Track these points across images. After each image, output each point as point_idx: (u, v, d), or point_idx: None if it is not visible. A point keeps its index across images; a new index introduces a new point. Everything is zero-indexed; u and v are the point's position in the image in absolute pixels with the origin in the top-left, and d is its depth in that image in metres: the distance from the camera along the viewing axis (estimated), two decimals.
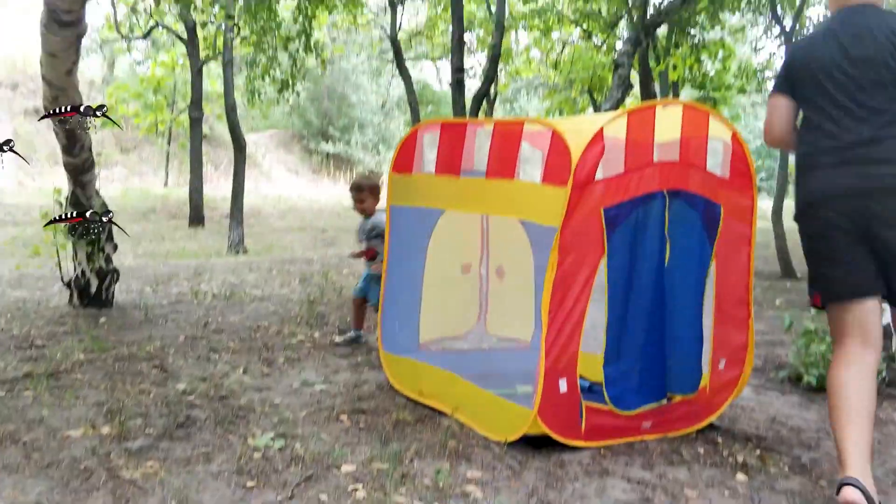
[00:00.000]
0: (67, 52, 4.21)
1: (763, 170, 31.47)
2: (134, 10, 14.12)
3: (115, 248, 5.68)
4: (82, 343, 4.22)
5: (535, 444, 2.90)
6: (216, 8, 7.78)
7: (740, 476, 2.75)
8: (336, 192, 21.99)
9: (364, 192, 4.58)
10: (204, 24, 13.02)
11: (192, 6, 7.57)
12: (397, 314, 3.84)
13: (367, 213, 4.58)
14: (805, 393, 3.99)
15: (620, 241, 3.01)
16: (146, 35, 15.23)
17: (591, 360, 3.14)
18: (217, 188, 18.67)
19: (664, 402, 3.21)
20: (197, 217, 13.41)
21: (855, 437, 2.39)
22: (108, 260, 5.55)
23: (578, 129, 3.08)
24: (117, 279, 5.64)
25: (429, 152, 3.68)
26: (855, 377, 2.49)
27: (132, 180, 19.02)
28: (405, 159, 3.77)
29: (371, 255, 4.45)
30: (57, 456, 2.58)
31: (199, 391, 3.41)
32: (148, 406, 3.16)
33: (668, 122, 3.11)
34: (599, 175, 2.94)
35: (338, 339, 4.62)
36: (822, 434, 3.32)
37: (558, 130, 2.96)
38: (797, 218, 2.76)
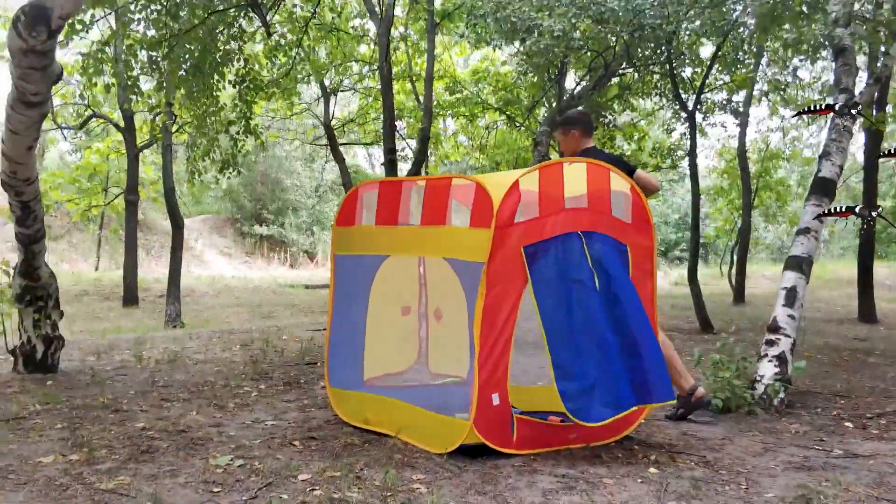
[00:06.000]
0: (30, 129, 4.47)
1: (683, 241, 33.23)
2: (66, 102, 14.51)
3: (62, 315, 5.79)
4: (34, 398, 4.33)
5: (471, 453, 3.23)
6: (161, 93, 8.18)
7: (652, 469, 3.17)
8: (270, 273, 22.07)
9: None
10: (134, 113, 13.39)
11: (138, 92, 7.96)
12: (343, 354, 4.15)
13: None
14: (714, 415, 4.46)
15: (544, 272, 3.42)
16: (83, 125, 15.44)
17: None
18: (149, 272, 18.52)
19: (634, 408, 3.39)
20: (131, 297, 13.31)
21: None
22: (55, 327, 5.65)
23: (498, 181, 3.60)
24: (62, 346, 5.72)
25: (369, 207, 4.11)
26: None
27: (61, 267, 18.64)
28: (347, 214, 4.20)
29: None
30: (32, 476, 2.76)
31: (158, 427, 3.60)
32: (111, 440, 3.35)
33: (576, 177, 3.66)
34: (518, 219, 3.43)
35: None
36: (726, 441, 3.77)
37: (481, 183, 3.47)
38: None
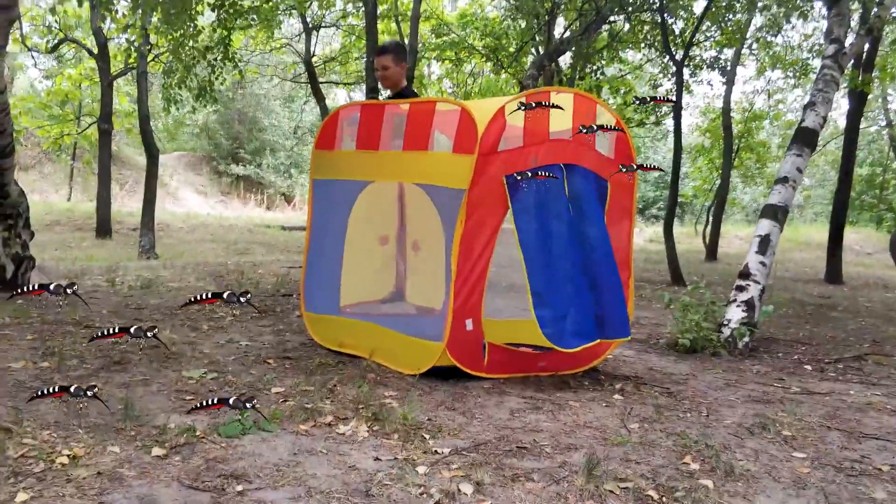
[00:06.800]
0: None
1: (661, 200, 33.45)
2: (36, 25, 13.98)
3: (32, 235, 5.69)
4: (3, 313, 4.28)
5: (443, 376, 3.28)
6: (136, 15, 7.88)
7: (617, 396, 3.24)
8: (246, 213, 21.85)
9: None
10: (108, 39, 12.98)
11: (112, 16, 7.64)
12: (319, 280, 4.14)
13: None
14: (680, 355, 4.57)
15: (525, 202, 3.40)
16: (54, 49, 14.92)
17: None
18: (122, 205, 18.24)
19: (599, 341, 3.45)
20: (104, 228, 13.12)
21: None
22: (25, 247, 5.55)
23: (483, 107, 3.55)
24: (33, 266, 5.63)
25: (349, 131, 4.05)
26: None
27: (31, 197, 18.29)
28: (328, 137, 4.13)
29: None
30: (1, 379, 2.75)
31: (130, 342, 3.59)
32: (82, 351, 3.34)
33: (562, 107, 3.61)
34: (501, 147, 3.40)
35: None
36: (690, 377, 3.87)
37: (466, 108, 3.42)
38: None
